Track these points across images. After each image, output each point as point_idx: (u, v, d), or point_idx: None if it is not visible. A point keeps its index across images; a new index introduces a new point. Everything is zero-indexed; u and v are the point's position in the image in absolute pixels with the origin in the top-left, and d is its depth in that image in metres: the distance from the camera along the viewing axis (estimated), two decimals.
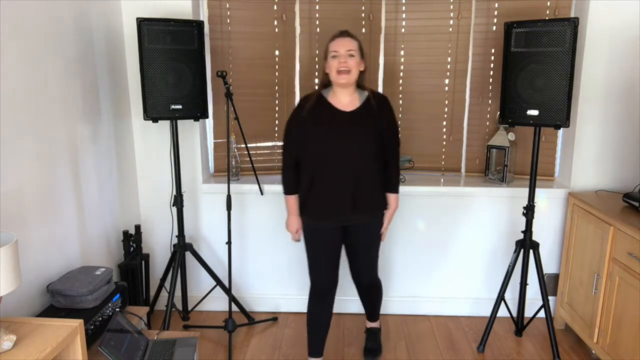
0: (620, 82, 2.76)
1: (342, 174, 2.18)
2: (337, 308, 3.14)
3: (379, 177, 2.26)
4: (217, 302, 3.15)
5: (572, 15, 2.87)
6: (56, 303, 2.06)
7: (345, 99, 2.20)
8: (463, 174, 3.18)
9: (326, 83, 2.25)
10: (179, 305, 3.12)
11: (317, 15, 2.99)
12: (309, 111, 2.21)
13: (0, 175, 1.82)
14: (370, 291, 2.52)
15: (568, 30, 2.30)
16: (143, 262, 2.86)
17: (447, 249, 3.04)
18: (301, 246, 3.07)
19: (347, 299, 3.13)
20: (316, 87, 3.04)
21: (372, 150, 2.19)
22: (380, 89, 3.06)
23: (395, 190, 2.34)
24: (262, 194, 2.95)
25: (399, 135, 2.35)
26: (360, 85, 2.25)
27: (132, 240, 2.79)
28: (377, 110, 2.22)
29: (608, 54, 2.74)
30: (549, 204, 2.94)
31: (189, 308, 3.06)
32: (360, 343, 2.81)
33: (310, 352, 2.44)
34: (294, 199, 2.31)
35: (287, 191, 2.31)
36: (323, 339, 2.43)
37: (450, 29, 2.99)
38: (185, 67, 2.51)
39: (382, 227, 2.36)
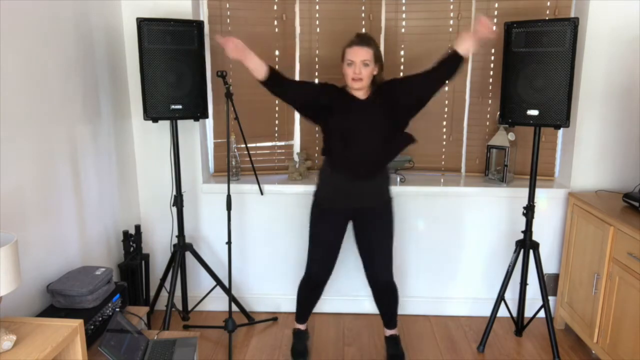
0: (620, 82, 2.76)
1: (355, 156, 2.30)
2: (337, 308, 3.14)
3: (386, 169, 2.40)
4: (217, 302, 3.15)
5: (572, 15, 2.87)
6: (56, 303, 2.06)
7: (360, 95, 2.33)
8: (463, 174, 3.18)
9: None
10: (179, 305, 3.12)
11: (317, 15, 2.99)
12: (332, 92, 2.35)
13: (1, 175, 1.82)
14: (388, 294, 2.54)
15: (568, 30, 2.30)
16: (143, 262, 2.86)
17: (447, 249, 3.04)
18: (301, 246, 3.07)
19: (347, 299, 3.13)
20: None
21: (383, 134, 2.29)
22: None
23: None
24: (262, 194, 2.95)
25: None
26: (374, 84, 2.36)
27: (132, 240, 2.79)
28: (388, 91, 2.32)
29: (608, 54, 2.74)
30: (549, 204, 2.94)
31: (189, 308, 3.06)
32: (361, 343, 2.81)
33: (297, 319, 2.71)
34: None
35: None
36: (310, 311, 2.69)
37: (450, 29, 2.99)
38: (185, 67, 2.51)
39: (392, 221, 2.45)
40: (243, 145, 3.05)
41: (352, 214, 2.45)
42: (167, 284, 3.04)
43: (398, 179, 3.02)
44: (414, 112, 2.34)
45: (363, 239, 2.48)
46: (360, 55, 2.22)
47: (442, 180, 3.05)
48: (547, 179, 3.08)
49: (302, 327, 2.71)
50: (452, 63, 2.23)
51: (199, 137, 2.96)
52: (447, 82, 2.30)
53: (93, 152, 2.51)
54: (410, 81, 2.33)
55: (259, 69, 2.23)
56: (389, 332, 2.67)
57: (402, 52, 3.03)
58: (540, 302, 2.77)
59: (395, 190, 2.93)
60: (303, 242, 3.04)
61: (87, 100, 2.46)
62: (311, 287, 2.56)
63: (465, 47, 2.20)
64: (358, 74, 2.22)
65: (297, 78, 3.08)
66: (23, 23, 1.95)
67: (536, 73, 2.40)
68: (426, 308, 3.12)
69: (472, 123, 3.09)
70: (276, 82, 2.29)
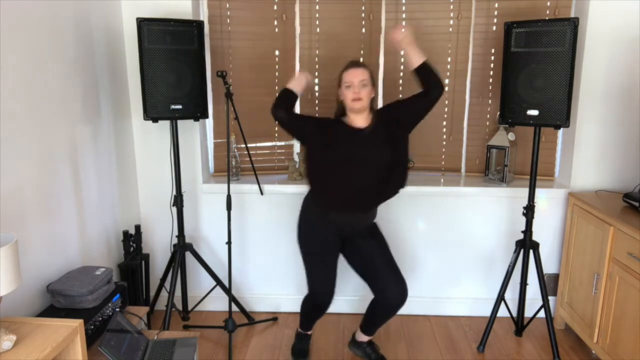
0: (620, 82, 2.77)
1: (355, 185, 2.26)
2: (337, 308, 3.14)
3: (382, 195, 2.36)
4: (217, 302, 3.15)
5: (572, 15, 2.87)
6: (56, 303, 2.06)
7: (359, 123, 2.31)
8: (463, 174, 3.18)
9: (341, 112, 2.37)
10: (179, 305, 3.12)
11: (317, 15, 2.99)
12: (327, 125, 2.34)
13: (1, 175, 1.82)
14: (397, 309, 2.40)
15: (568, 30, 2.31)
16: (143, 262, 2.86)
17: (447, 249, 3.04)
18: None
19: (347, 299, 3.13)
20: (316, 88, 3.07)
21: (385, 162, 2.26)
22: (380, 89, 3.06)
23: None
24: (262, 194, 2.95)
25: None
26: (372, 110, 2.35)
27: (132, 240, 2.79)
28: (387, 116, 2.32)
29: (608, 54, 2.74)
30: (549, 204, 2.94)
31: (189, 308, 3.06)
32: None
33: (301, 327, 2.67)
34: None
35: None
36: (315, 322, 2.65)
37: (450, 29, 2.99)
38: (185, 67, 2.51)
39: (380, 231, 2.47)
40: (243, 145, 3.06)
41: (341, 239, 2.41)
42: (167, 284, 3.05)
43: None
44: (412, 128, 2.33)
45: (357, 257, 2.41)
46: (357, 76, 2.24)
47: (442, 180, 3.05)
48: (547, 179, 3.08)
49: (307, 332, 2.70)
50: (423, 75, 2.27)
51: (199, 137, 2.96)
52: (435, 93, 2.26)
53: (93, 152, 2.51)
54: (406, 99, 2.34)
55: (299, 92, 2.45)
56: (367, 338, 2.61)
57: (402, 52, 3.03)
58: (540, 302, 2.77)
59: None
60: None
61: (87, 100, 2.46)
62: (316, 305, 2.45)
63: (412, 57, 2.27)
64: (357, 93, 2.22)
65: None
66: (23, 23, 1.95)
67: (536, 73, 2.40)
68: (426, 308, 3.12)
69: (472, 123, 3.09)
70: (293, 103, 2.42)
